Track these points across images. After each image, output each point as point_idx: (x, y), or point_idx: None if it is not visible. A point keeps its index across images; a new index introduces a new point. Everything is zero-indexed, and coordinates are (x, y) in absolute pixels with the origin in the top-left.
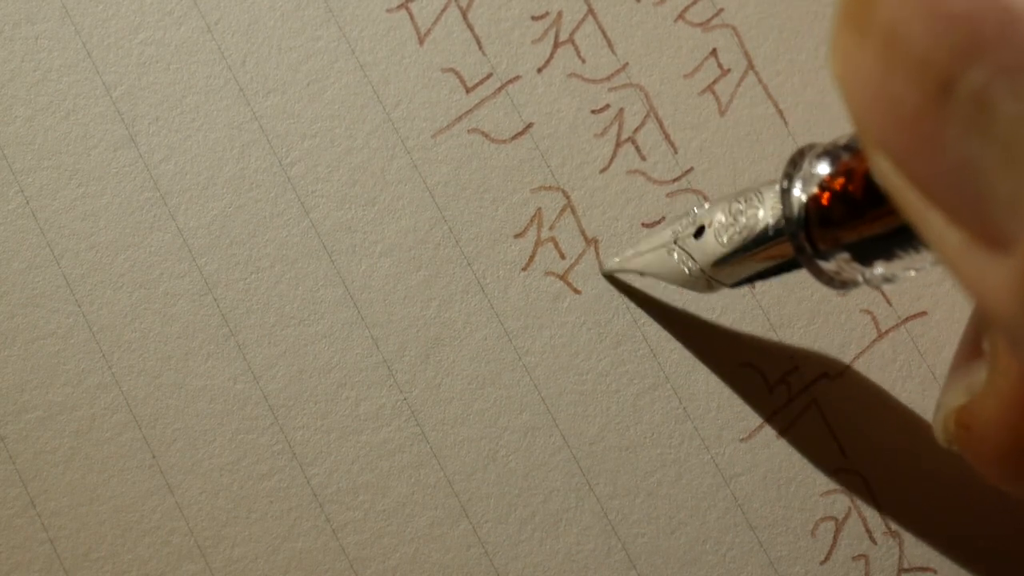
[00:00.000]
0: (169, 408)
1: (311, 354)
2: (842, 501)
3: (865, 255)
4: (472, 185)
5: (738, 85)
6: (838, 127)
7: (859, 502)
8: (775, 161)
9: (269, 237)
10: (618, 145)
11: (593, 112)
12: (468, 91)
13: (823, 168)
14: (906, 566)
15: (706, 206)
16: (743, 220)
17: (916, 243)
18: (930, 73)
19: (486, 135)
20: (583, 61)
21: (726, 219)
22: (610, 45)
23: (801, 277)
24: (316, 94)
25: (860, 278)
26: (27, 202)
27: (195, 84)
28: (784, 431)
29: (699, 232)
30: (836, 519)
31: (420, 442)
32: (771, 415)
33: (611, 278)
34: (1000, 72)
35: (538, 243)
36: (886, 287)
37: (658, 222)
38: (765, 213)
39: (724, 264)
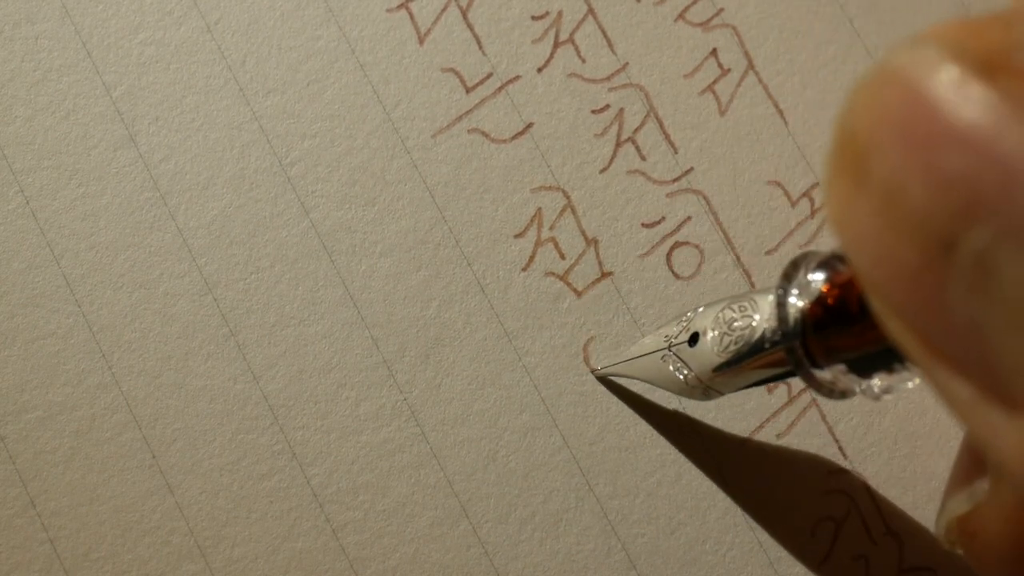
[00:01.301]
0: (169, 408)
1: (311, 354)
2: (842, 501)
3: (863, 367)
4: (472, 185)
5: (738, 85)
6: None
7: (859, 502)
8: (775, 161)
9: (269, 237)
10: (618, 145)
11: (593, 112)
12: (468, 91)
13: (819, 278)
14: (906, 566)
15: (700, 310)
16: (738, 329)
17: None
18: (930, 232)
19: (486, 135)
20: (583, 61)
21: (720, 328)
22: (610, 45)
23: None
24: (316, 94)
25: (858, 389)
26: (27, 202)
27: (195, 84)
28: (784, 431)
29: (693, 339)
30: (836, 519)
31: (420, 442)
32: (771, 415)
33: (603, 380)
34: (1002, 234)
35: (538, 243)
36: None
37: (658, 222)
38: (760, 322)
39: (721, 372)
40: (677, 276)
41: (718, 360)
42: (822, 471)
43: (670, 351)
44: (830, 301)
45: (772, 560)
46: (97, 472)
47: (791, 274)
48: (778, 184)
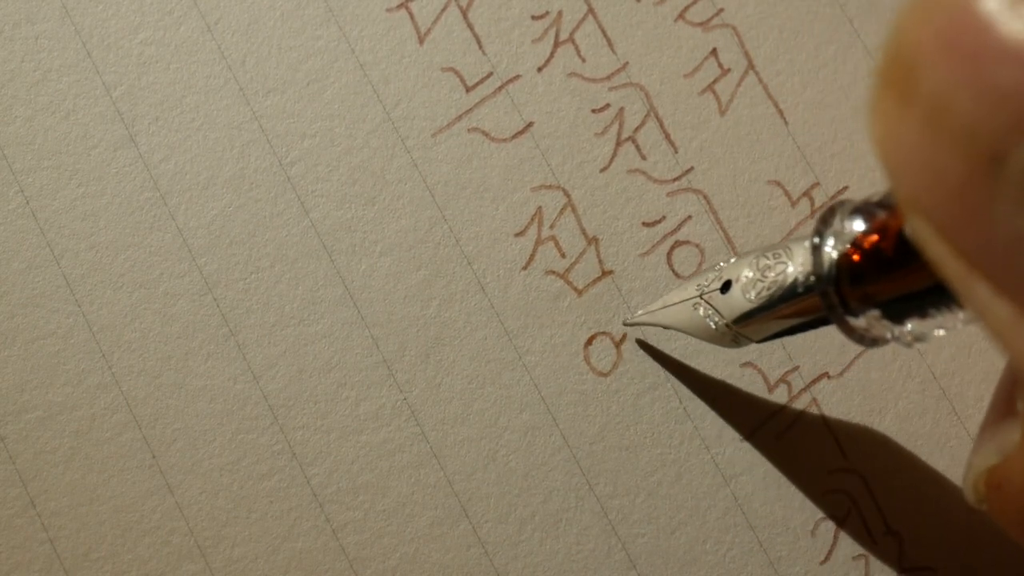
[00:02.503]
0: (169, 408)
1: (311, 354)
2: (842, 501)
3: (896, 313)
4: (472, 184)
5: (738, 85)
6: (837, 127)
7: (859, 502)
8: (775, 160)
9: (269, 237)
10: (618, 144)
11: (593, 111)
12: (468, 90)
13: (856, 225)
14: (906, 566)
15: (732, 260)
16: (771, 275)
17: (948, 302)
18: (979, 145)
19: (486, 134)
20: (583, 60)
21: (754, 274)
22: (610, 44)
23: None
24: (316, 94)
25: (890, 335)
26: (27, 202)
27: (195, 84)
28: (784, 431)
29: (725, 287)
30: (836, 519)
31: (420, 442)
32: (771, 415)
33: (637, 336)
34: None
35: (538, 242)
36: None
37: (658, 221)
38: (794, 268)
39: (751, 319)
40: (677, 275)
41: (749, 306)
42: (822, 471)
43: (701, 299)
44: (866, 246)
45: (772, 560)
46: (97, 472)
47: (827, 220)
48: (778, 184)
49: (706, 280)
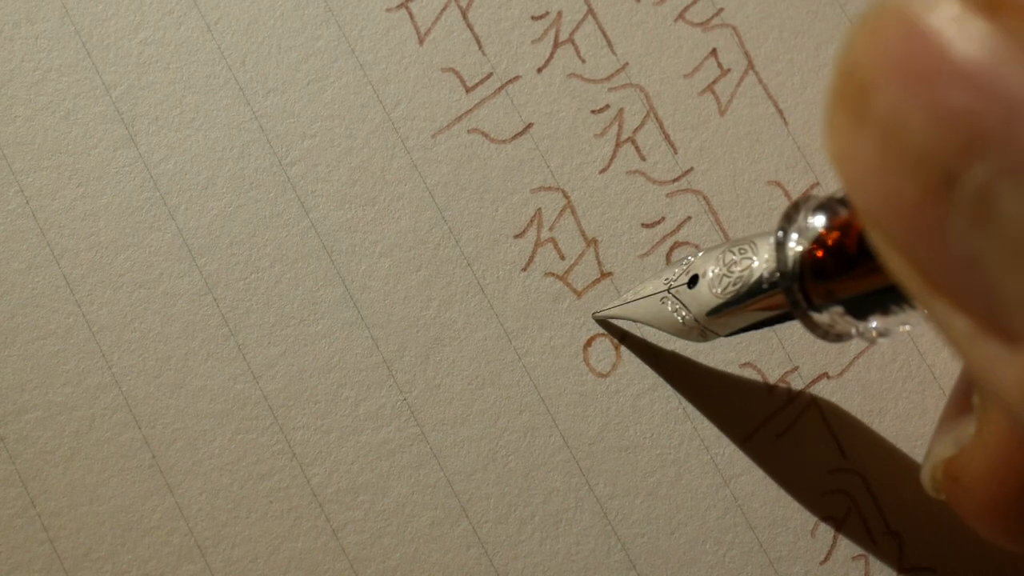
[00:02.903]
0: (169, 408)
1: (311, 354)
2: (842, 501)
3: (860, 309)
4: (472, 185)
5: (738, 85)
6: None
7: (859, 502)
8: (775, 161)
9: (269, 237)
10: (618, 145)
11: (593, 112)
12: (468, 91)
13: (819, 221)
14: (906, 566)
15: (700, 255)
16: (737, 271)
17: (911, 299)
18: (931, 167)
19: (486, 135)
20: (583, 61)
21: (720, 269)
22: (610, 45)
23: None
24: (316, 94)
25: (854, 331)
26: (27, 202)
27: (195, 84)
28: (784, 431)
29: (692, 281)
30: (836, 519)
31: (420, 442)
32: (771, 415)
33: (603, 323)
34: (1003, 170)
35: (538, 243)
36: None
37: (658, 222)
38: (759, 264)
39: (718, 314)
40: None
41: (716, 301)
42: (822, 471)
43: (669, 293)
44: (829, 243)
45: (772, 560)
46: (97, 472)
47: (791, 216)
48: (778, 184)
49: (674, 274)
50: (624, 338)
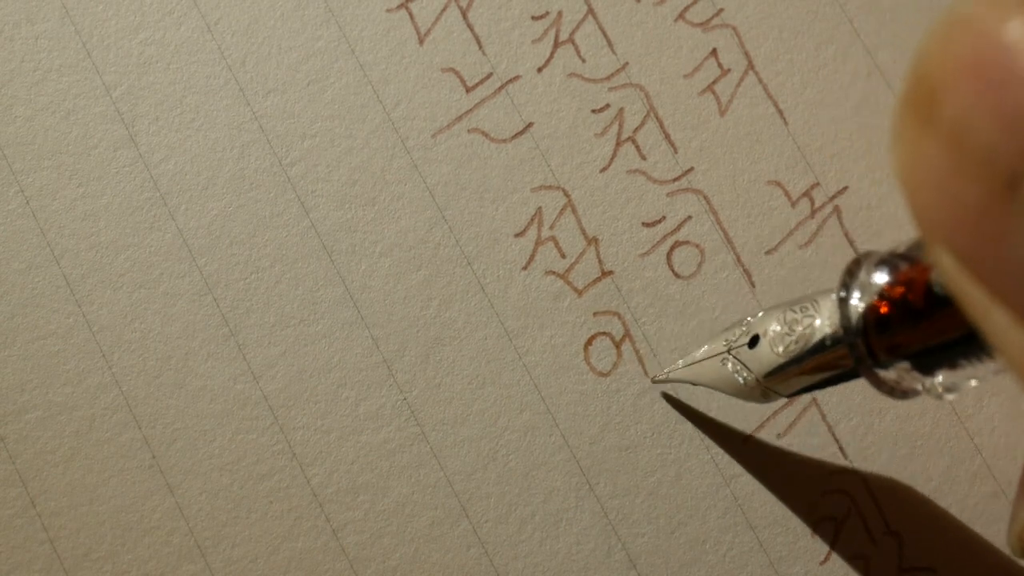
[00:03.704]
0: (169, 408)
1: (311, 354)
2: (842, 501)
3: (926, 364)
4: (472, 185)
5: (738, 85)
6: (837, 127)
7: (859, 502)
8: (775, 161)
9: (269, 237)
10: (618, 145)
11: (593, 112)
12: (468, 91)
13: (882, 277)
14: (906, 566)
15: (760, 315)
16: (799, 329)
17: (978, 352)
18: (996, 170)
19: (486, 135)
20: (583, 61)
21: (781, 328)
22: (610, 45)
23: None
24: (316, 94)
25: (921, 387)
26: (27, 202)
27: (195, 84)
28: (784, 431)
29: (753, 342)
30: (836, 519)
31: (420, 442)
32: (771, 415)
33: (665, 394)
34: None
35: (538, 242)
36: None
37: (658, 222)
38: (822, 322)
39: (780, 374)
40: (677, 275)
41: (778, 360)
42: (822, 471)
43: (729, 354)
44: (893, 297)
45: (772, 560)
46: (97, 472)
47: (853, 273)
48: (778, 184)
49: (734, 335)
50: (624, 338)
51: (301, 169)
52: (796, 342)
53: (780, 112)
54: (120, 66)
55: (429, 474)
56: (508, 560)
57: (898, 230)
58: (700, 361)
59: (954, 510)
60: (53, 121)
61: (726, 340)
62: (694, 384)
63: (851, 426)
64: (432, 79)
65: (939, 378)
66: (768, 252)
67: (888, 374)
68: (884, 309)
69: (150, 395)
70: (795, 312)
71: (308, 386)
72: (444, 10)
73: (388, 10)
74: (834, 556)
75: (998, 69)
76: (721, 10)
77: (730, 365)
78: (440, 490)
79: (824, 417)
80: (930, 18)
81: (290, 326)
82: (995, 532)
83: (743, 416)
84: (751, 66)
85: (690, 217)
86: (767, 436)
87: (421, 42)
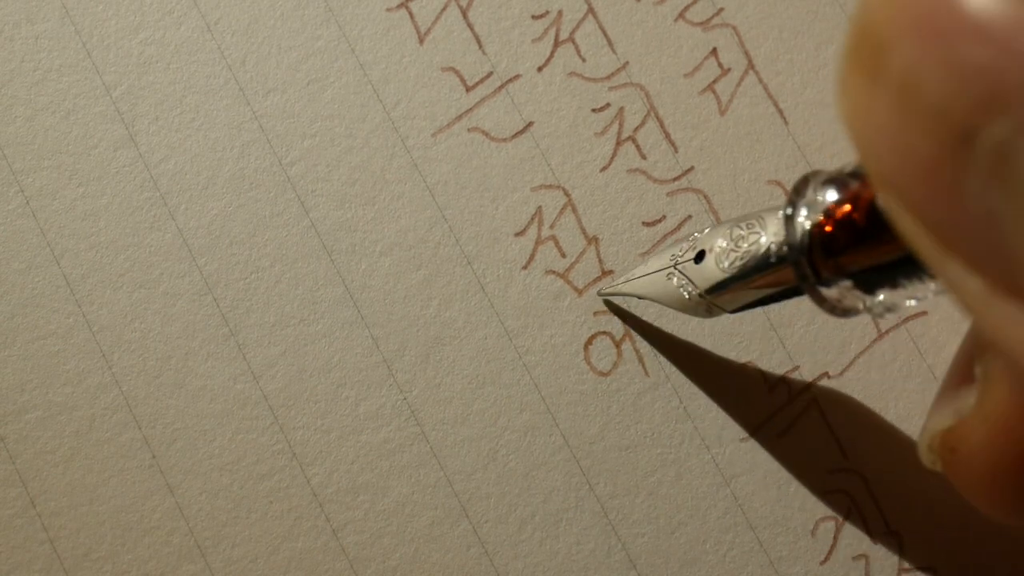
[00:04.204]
0: (169, 408)
1: (311, 354)
2: (842, 501)
3: (868, 284)
4: (472, 184)
5: (738, 84)
6: (837, 127)
7: (859, 502)
8: (775, 160)
9: (269, 237)
10: (618, 144)
11: (593, 111)
12: (468, 90)
13: (829, 195)
14: (906, 566)
15: (706, 231)
16: (744, 246)
17: (920, 273)
18: (948, 123)
19: (486, 134)
20: (583, 60)
21: (727, 244)
22: (610, 44)
23: None
24: (316, 94)
25: (862, 306)
26: (27, 202)
27: (195, 84)
28: (784, 431)
29: (699, 257)
30: (836, 519)
31: (420, 442)
32: (771, 415)
33: (607, 301)
34: (1022, 126)
35: (538, 242)
36: None
37: (659, 221)
38: (767, 239)
39: (724, 289)
40: None
41: (722, 276)
42: (822, 471)
43: (675, 269)
44: (838, 217)
45: (772, 560)
46: (97, 472)
47: (800, 190)
48: (778, 184)
49: (680, 250)
50: (624, 338)
51: (301, 169)
52: (741, 258)
53: (780, 112)
54: (120, 66)
55: (429, 474)
56: (508, 560)
57: None
58: (646, 276)
59: (954, 510)
60: (53, 121)
61: (672, 255)
62: (639, 297)
63: (851, 426)
64: (432, 78)
65: (880, 297)
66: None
67: (830, 292)
68: (829, 228)
69: (150, 395)
70: (741, 228)
71: (308, 386)
72: (444, 9)
73: (388, 10)
74: (834, 556)
75: (946, 20)
76: (721, 10)
77: (675, 280)
78: (440, 490)
79: (824, 417)
80: None
81: (290, 326)
82: (995, 532)
83: (743, 416)
84: (751, 66)
85: (690, 217)
86: (767, 436)
87: (421, 42)
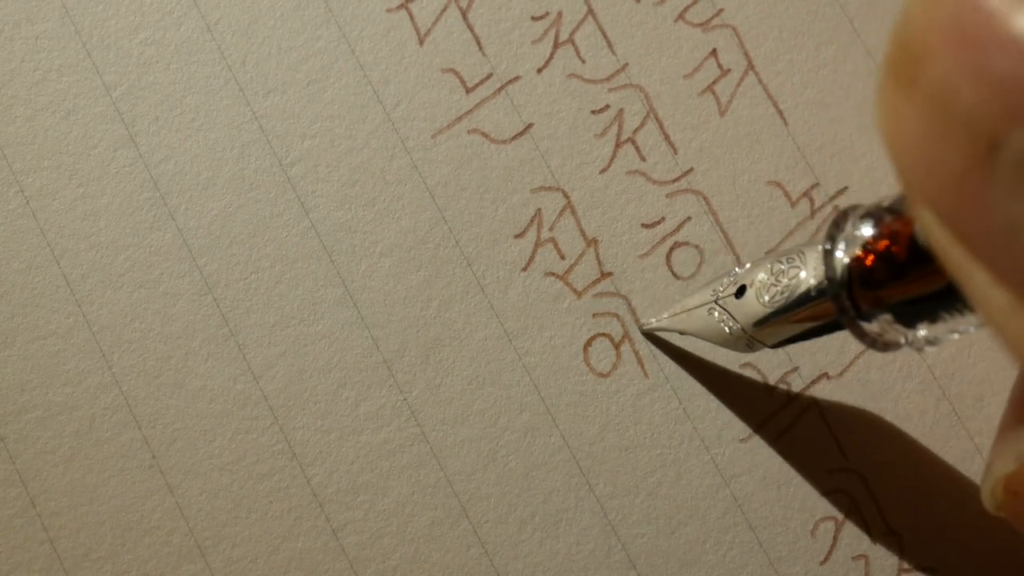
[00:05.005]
0: (169, 408)
1: (311, 354)
2: (842, 501)
3: (908, 317)
4: (472, 185)
5: (738, 85)
6: (837, 127)
7: (859, 502)
8: (775, 161)
9: (269, 237)
10: (618, 145)
11: (593, 112)
12: (468, 91)
13: (867, 230)
14: (906, 566)
15: (747, 266)
16: (784, 280)
17: (960, 305)
18: (977, 133)
19: (486, 135)
20: (583, 61)
21: (768, 279)
22: (610, 45)
23: None
24: (316, 94)
25: (903, 340)
26: (27, 202)
27: (195, 84)
28: (784, 431)
29: (740, 292)
30: (836, 519)
31: (420, 442)
32: (771, 415)
33: (650, 336)
34: None
35: (538, 243)
36: None
37: (658, 223)
38: (807, 274)
39: (765, 324)
40: (677, 276)
41: (763, 311)
42: (822, 471)
43: (716, 304)
44: (877, 250)
45: (772, 560)
46: (97, 472)
47: (839, 225)
48: (778, 184)
49: (721, 285)
50: (624, 339)
51: (301, 169)
52: (782, 293)
53: (780, 112)
54: (120, 66)
55: (429, 474)
56: (508, 560)
57: None
58: (688, 310)
59: (954, 510)
60: (53, 121)
61: (713, 290)
62: (681, 332)
63: (851, 426)
64: (432, 79)
65: (921, 331)
66: (768, 252)
67: (871, 326)
68: (869, 261)
69: (150, 395)
70: (782, 263)
71: (308, 386)
72: (444, 10)
73: (388, 10)
74: (834, 556)
75: (979, 33)
76: (721, 10)
77: (716, 314)
78: (440, 490)
79: (824, 417)
80: None
81: (290, 326)
82: (995, 532)
83: (743, 416)
84: (751, 66)
85: (690, 218)
86: (767, 436)
87: (421, 42)
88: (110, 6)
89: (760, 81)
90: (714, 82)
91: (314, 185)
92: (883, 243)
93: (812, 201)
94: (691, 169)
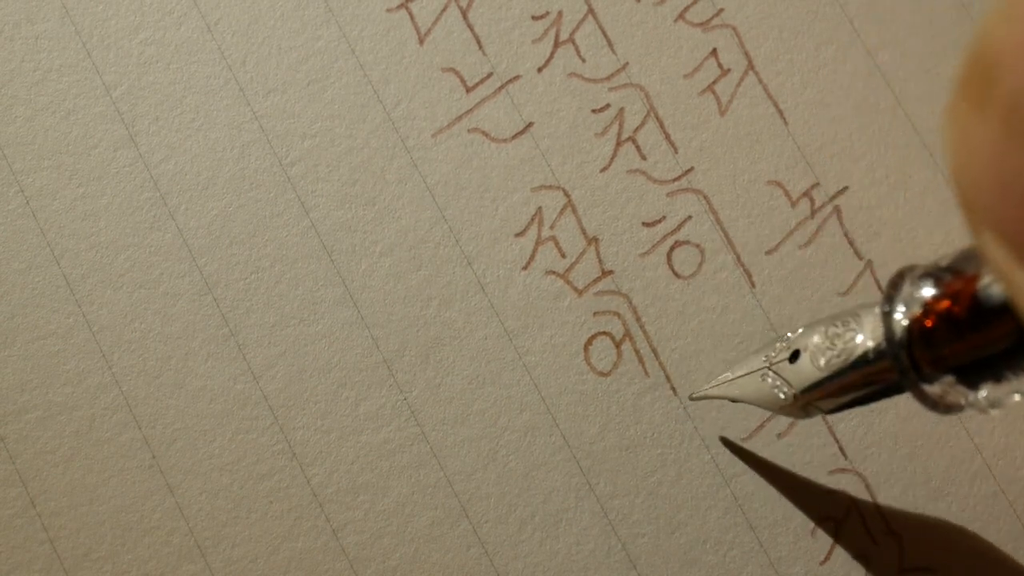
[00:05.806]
0: (169, 408)
1: (311, 354)
2: (842, 501)
3: (971, 378)
4: (472, 185)
5: (738, 85)
6: (837, 127)
7: (859, 502)
8: (775, 161)
9: (269, 237)
10: (618, 144)
11: (593, 112)
12: (468, 91)
13: (927, 290)
14: (906, 566)
15: (800, 330)
16: (840, 344)
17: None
18: None
19: (486, 134)
20: (583, 61)
21: (823, 342)
22: (610, 45)
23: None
24: (316, 94)
25: (964, 401)
26: (27, 202)
27: (195, 84)
28: (784, 431)
29: (794, 356)
30: (836, 519)
31: (420, 442)
32: (771, 415)
33: (698, 398)
34: None
35: (538, 242)
36: None
37: (658, 222)
38: (864, 336)
39: (822, 388)
40: (677, 275)
41: (819, 375)
42: (822, 471)
43: (769, 369)
44: (938, 310)
45: (772, 560)
46: (97, 472)
47: (897, 285)
48: (778, 184)
49: (773, 351)
50: (624, 338)
51: (301, 169)
52: (838, 356)
53: (780, 112)
54: (120, 66)
55: (429, 474)
56: (508, 560)
57: (898, 230)
58: (739, 377)
59: (954, 510)
60: (53, 121)
61: (765, 356)
62: (733, 401)
63: (851, 426)
64: (432, 79)
65: (984, 392)
66: (768, 252)
67: (933, 389)
68: (929, 322)
69: (150, 395)
70: (837, 326)
71: (308, 386)
72: (444, 10)
73: (388, 10)
74: (834, 556)
75: None
76: (721, 10)
77: (770, 380)
78: (440, 490)
79: (824, 417)
80: (931, 18)
81: (290, 326)
82: (995, 532)
83: (743, 416)
84: (751, 66)
85: (690, 217)
86: (767, 436)
87: (421, 42)
88: (110, 6)
89: (760, 81)
90: (714, 82)
91: (314, 185)
92: (944, 303)
93: (812, 201)
94: (691, 168)
